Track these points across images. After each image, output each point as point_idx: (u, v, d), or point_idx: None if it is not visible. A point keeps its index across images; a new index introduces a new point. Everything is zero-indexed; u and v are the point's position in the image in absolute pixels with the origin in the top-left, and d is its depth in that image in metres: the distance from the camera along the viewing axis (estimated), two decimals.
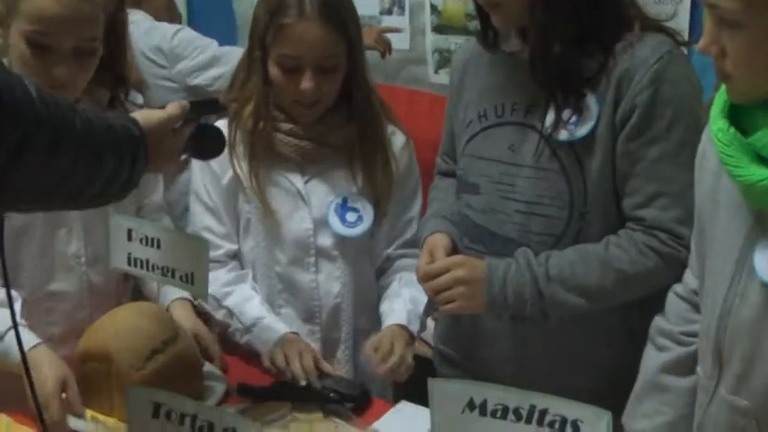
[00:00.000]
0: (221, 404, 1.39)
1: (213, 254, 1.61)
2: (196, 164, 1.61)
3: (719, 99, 1.08)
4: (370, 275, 1.68)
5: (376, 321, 1.64)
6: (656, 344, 1.28)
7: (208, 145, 1.34)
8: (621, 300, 1.35)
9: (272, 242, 1.61)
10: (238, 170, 1.56)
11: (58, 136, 0.93)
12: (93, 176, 1.01)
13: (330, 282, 1.62)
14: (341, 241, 1.60)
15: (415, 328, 1.57)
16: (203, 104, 1.32)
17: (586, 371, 1.40)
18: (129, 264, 1.33)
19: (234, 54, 2.17)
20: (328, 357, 1.62)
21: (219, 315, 1.61)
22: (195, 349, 1.44)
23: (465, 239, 1.46)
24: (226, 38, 2.46)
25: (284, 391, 1.43)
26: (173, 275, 1.29)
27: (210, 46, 2.25)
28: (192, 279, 1.28)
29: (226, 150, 1.53)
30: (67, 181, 0.98)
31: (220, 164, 1.59)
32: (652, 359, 1.27)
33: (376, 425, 1.36)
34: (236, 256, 1.65)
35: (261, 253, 1.62)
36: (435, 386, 1.02)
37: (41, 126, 0.91)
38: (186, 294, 1.56)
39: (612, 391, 1.31)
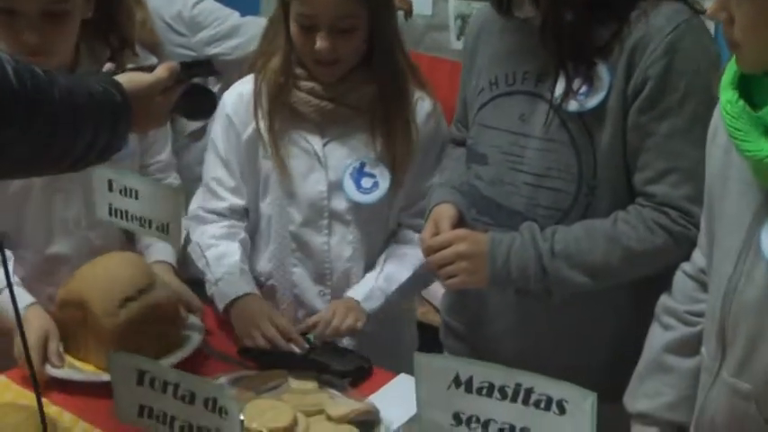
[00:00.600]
0: (220, 371, 1.41)
1: (216, 205, 1.64)
2: (217, 114, 1.62)
3: (730, 69, 1.05)
4: (382, 242, 1.68)
5: None
6: (662, 322, 1.26)
7: (198, 106, 1.34)
8: (628, 277, 1.33)
9: (287, 201, 1.62)
10: (260, 124, 1.58)
11: (33, 110, 0.94)
12: (71, 145, 1.02)
13: (342, 245, 1.63)
14: (355, 206, 1.61)
15: (372, 305, 1.58)
16: (194, 65, 1.30)
17: (591, 347, 1.39)
18: (111, 214, 1.35)
19: (254, 24, 2.17)
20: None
21: (200, 265, 1.61)
22: (172, 299, 1.45)
23: (473, 211, 1.46)
24: (249, 8, 2.46)
25: (284, 358, 1.44)
26: (149, 226, 1.31)
27: (231, 16, 2.26)
28: (168, 229, 1.29)
29: (250, 104, 1.55)
30: (45, 151, 0.99)
31: (242, 117, 1.61)
32: (656, 338, 1.26)
33: (372, 397, 1.36)
34: (242, 213, 1.66)
35: (276, 211, 1.64)
36: (421, 361, 1.02)
37: (15, 101, 0.92)
38: (169, 257, 1.58)
39: (617, 368, 1.31)
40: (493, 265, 1.33)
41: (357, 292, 1.60)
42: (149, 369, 1.02)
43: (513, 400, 0.97)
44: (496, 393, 0.98)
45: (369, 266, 1.65)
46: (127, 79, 1.13)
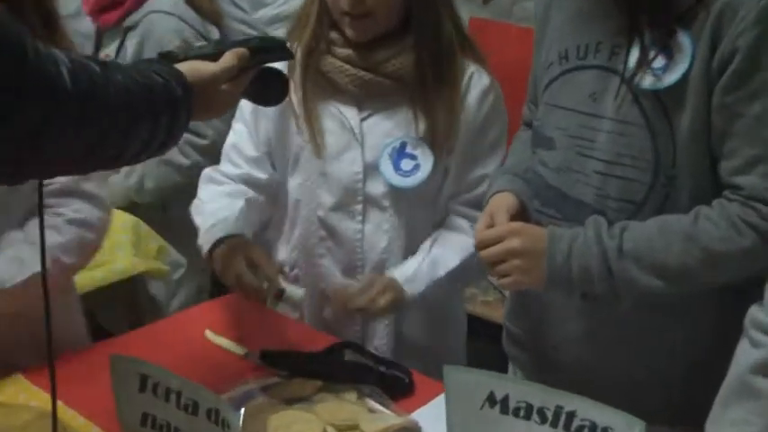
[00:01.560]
0: (250, 375, 1.44)
1: (231, 170, 1.69)
2: None
3: None
4: (426, 233, 1.69)
5: None
6: (751, 338, 1.21)
7: (269, 90, 1.36)
8: (709, 283, 1.31)
9: (318, 182, 1.64)
10: (293, 95, 1.60)
11: (87, 110, 1.00)
12: (125, 143, 1.08)
13: (377, 234, 1.65)
14: (393, 191, 1.62)
15: (415, 288, 1.58)
16: (267, 51, 1.32)
17: (666, 362, 1.39)
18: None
19: None
20: (365, 322, 1.66)
21: (197, 221, 1.65)
22: None
23: (536, 202, 1.46)
24: None
25: (316, 365, 1.46)
26: None
27: None
28: None
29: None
30: (99, 149, 1.05)
31: None
32: (744, 356, 1.22)
33: (417, 413, 1.36)
34: (260, 187, 1.70)
35: (305, 192, 1.66)
36: (451, 375, 1.04)
37: (69, 101, 0.98)
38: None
39: (696, 387, 1.30)
40: (551, 263, 1.33)
41: (398, 272, 1.60)
42: (152, 374, 1.06)
43: (554, 424, 0.99)
44: (535, 416, 1.00)
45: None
46: (190, 69, 1.17)
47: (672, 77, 1.27)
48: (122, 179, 2.33)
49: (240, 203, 1.65)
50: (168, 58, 1.22)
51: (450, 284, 1.64)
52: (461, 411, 1.04)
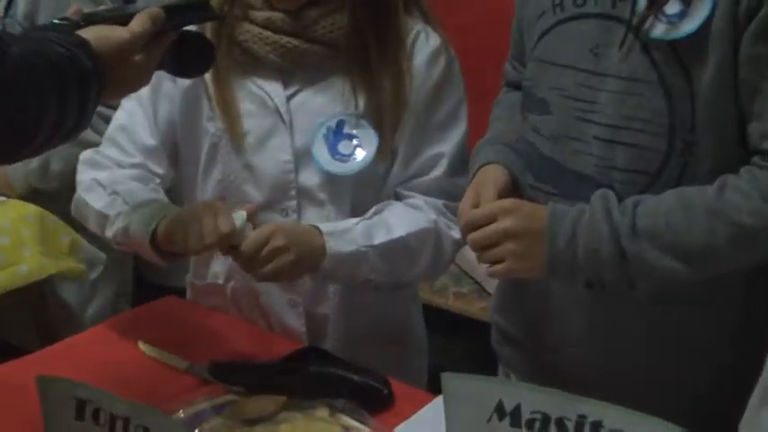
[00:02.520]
0: (202, 394, 1.41)
1: (120, 157, 1.64)
2: None
3: None
4: None
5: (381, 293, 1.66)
6: None
7: (192, 59, 1.34)
8: (739, 264, 1.31)
9: (242, 177, 1.62)
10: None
11: None
12: (33, 126, 1.07)
13: None
14: (330, 180, 1.60)
15: (337, 246, 1.52)
16: (185, 9, 1.30)
17: (689, 361, 1.39)
18: None
19: None
20: (315, 339, 1.65)
21: (99, 204, 1.59)
22: None
23: (529, 175, 1.45)
24: None
25: (277, 377, 1.44)
26: None
27: None
28: None
29: None
30: (4, 135, 1.04)
31: None
32: None
33: (400, 429, 1.35)
34: (157, 179, 1.65)
35: (228, 191, 1.62)
36: (451, 383, 1.01)
37: None
38: None
39: (724, 389, 1.31)
40: (552, 246, 1.31)
41: (323, 225, 1.56)
42: (92, 398, 1.02)
43: None
44: (553, 428, 0.98)
45: None
46: (96, 36, 1.15)
47: (690, 25, 1.26)
48: (21, 163, 2.25)
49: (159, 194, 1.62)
50: (68, 23, 1.19)
51: (388, 263, 1.58)
52: (464, 425, 1.02)
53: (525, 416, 0.99)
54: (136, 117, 1.65)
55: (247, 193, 1.62)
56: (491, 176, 1.43)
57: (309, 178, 1.60)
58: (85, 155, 1.68)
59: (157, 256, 1.52)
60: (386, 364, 1.52)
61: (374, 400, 1.40)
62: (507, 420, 1.00)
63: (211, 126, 1.62)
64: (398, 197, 1.65)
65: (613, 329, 1.41)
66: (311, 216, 1.61)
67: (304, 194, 1.61)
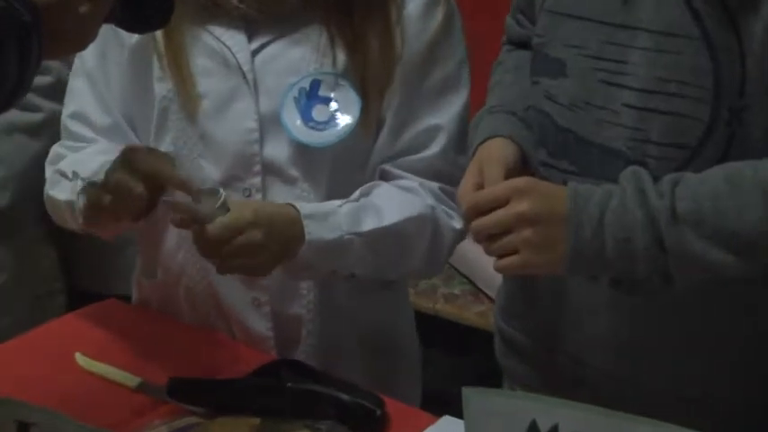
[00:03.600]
0: (158, 417, 1.41)
1: (81, 146, 1.65)
2: None
3: None
4: None
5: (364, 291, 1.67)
6: None
7: (147, 11, 1.35)
8: None
9: (196, 148, 1.61)
10: None
11: None
12: None
13: None
14: (302, 152, 1.58)
15: (317, 231, 1.52)
16: None
17: (744, 372, 1.41)
18: None
19: None
20: (285, 347, 1.64)
21: (64, 195, 1.59)
22: None
23: (542, 151, 1.45)
24: None
25: (248, 395, 1.43)
26: None
27: None
28: None
29: None
30: None
31: None
32: None
33: None
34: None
35: (180, 164, 1.59)
36: (472, 399, 1.01)
37: None
38: None
39: None
40: (576, 235, 1.30)
41: (303, 205, 1.55)
42: (38, 420, 1.02)
43: None
44: None
45: None
46: None
47: None
48: None
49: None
50: None
51: (376, 255, 1.58)
52: None
53: None
54: (85, 97, 1.66)
55: (202, 169, 1.60)
56: (496, 152, 1.42)
57: (277, 151, 1.59)
58: (51, 152, 1.69)
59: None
60: (371, 379, 1.54)
61: (365, 424, 1.40)
62: None
63: (161, 87, 1.61)
64: (386, 176, 1.65)
65: (644, 335, 1.42)
66: (279, 197, 1.60)
67: (271, 170, 1.60)
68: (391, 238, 1.57)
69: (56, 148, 1.69)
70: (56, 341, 1.62)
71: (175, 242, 1.65)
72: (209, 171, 1.60)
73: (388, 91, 1.60)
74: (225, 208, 1.44)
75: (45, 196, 1.66)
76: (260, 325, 1.64)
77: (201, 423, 1.38)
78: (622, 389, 1.42)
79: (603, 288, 1.37)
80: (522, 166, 1.43)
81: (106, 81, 1.64)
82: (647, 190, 1.29)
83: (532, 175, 1.42)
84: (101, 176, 1.49)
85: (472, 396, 0.99)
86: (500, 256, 1.35)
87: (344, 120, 1.57)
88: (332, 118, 1.57)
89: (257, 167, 1.59)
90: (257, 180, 1.59)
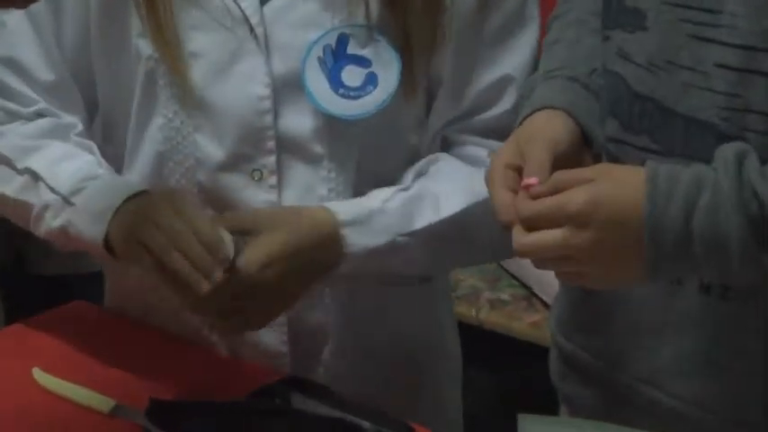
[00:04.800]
0: None
1: (9, 105, 1.65)
2: None
3: None
4: None
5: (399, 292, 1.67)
6: None
7: None
8: None
9: (192, 121, 1.60)
10: None
11: None
12: None
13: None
14: (330, 125, 1.58)
15: (362, 240, 1.54)
16: None
17: None
18: None
19: None
20: (302, 363, 1.64)
21: (11, 188, 1.61)
22: None
23: (612, 123, 1.43)
24: None
25: (251, 422, 1.43)
26: None
27: None
28: None
29: None
30: None
31: None
32: None
33: None
34: (63, 135, 1.66)
35: (171, 142, 1.61)
36: (528, 428, 1.02)
37: None
38: None
39: None
40: (656, 229, 1.27)
41: (341, 206, 1.56)
42: None
43: None
44: None
45: None
46: None
47: None
48: None
49: (74, 147, 1.64)
50: None
51: (432, 254, 1.60)
52: None
53: None
54: (24, 43, 1.63)
55: (201, 147, 1.59)
56: (542, 129, 1.40)
57: (296, 122, 1.58)
58: None
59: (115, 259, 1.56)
60: (403, 401, 1.56)
61: None
62: None
63: (145, 45, 1.59)
64: (448, 145, 1.65)
65: (738, 354, 1.40)
66: (298, 179, 1.60)
67: (288, 147, 1.59)
68: (453, 231, 1.58)
69: None
70: (9, 353, 1.62)
71: None
72: (209, 150, 1.59)
73: (437, 46, 1.59)
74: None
75: None
76: (272, 338, 1.64)
77: None
78: (709, 417, 1.42)
79: (691, 293, 1.38)
80: (578, 146, 1.42)
81: (56, 28, 1.63)
82: (750, 171, 1.26)
83: (596, 159, 1.42)
84: (81, 187, 1.54)
85: (530, 425, 0.98)
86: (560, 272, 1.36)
87: (384, 84, 1.56)
88: (367, 82, 1.57)
89: (270, 144, 1.59)
90: (271, 159, 1.59)
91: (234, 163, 1.59)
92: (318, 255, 1.52)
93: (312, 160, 1.60)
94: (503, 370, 1.82)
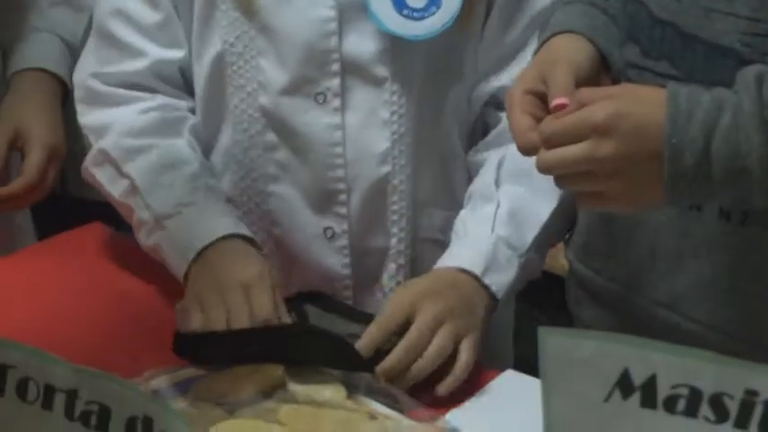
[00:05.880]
0: (153, 364, 1.45)
1: (126, 66, 1.69)
2: None
3: None
4: (459, 131, 1.71)
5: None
6: None
7: None
8: None
9: (256, 45, 1.63)
10: None
11: None
12: None
13: (370, 131, 1.65)
14: (396, 46, 1.61)
15: (502, 279, 1.57)
16: None
17: None
18: None
19: None
20: (364, 285, 1.69)
21: (117, 191, 1.66)
22: None
23: (633, 49, 1.45)
24: None
25: (264, 341, 1.46)
26: None
27: None
28: None
29: None
30: None
31: None
32: None
33: (452, 414, 1.40)
34: (177, 78, 1.71)
35: (232, 69, 1.64)
36: (550, 342, 1.00)
37: None
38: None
39: None
40: (676, 156, 1.28)
41: (466, 253, 1.57)
42: (16, 362, 1.01)
43: (742, 425, 0.96)
44: (705, 408, 0.97)
45: (428, 175, 1.69)
46: None
47: None
48: None
49: (182, 144, 1.67)
50: None
51: (544, 253, 1.66)
52: (571, 407, 1.01)
53: (663, 392, 0.98)
54: None
55: (264, 71, 1.62)
56: (563, 53, 1.41)
57: (361, 45, 1.61)
58: (79, 81, 1.73)
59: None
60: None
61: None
62: (636, 398, 0.99)
63: None
64: (491, 101, 1.69)
65: (754, 281, 1.43)
66: (361, 101, 1.63)
67: (352, 69, 1.62)
68: (549, 232, 1.65)
69: (88, 81, 1.71)
70: (23, 276, 1.67)
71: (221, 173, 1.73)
72: (272, 73, 1.62)
73: None
74: None
75: (84, 163, 1.70)
76: (333, 260, 1.68)
77: (207, 375, 1.42)
78: (730, 343, 1.42)
79: (711, 217, 1.40)
80: (597, 70, 1.43)
81: None
82: None
83: (615, 84, 1.42)
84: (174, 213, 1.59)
85: (550, 338, 0.98)
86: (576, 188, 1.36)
87: (446, 5, 1.58)
88: (430, 3, 1.58)
89: (335, 66, 1.62)
90: (335, 82, 1.62)
91: (297, 86, 1.63)
92: (469, 310, 1.53)
93: (376, 82, 1.63)
94: (516, 298, 1.84)
